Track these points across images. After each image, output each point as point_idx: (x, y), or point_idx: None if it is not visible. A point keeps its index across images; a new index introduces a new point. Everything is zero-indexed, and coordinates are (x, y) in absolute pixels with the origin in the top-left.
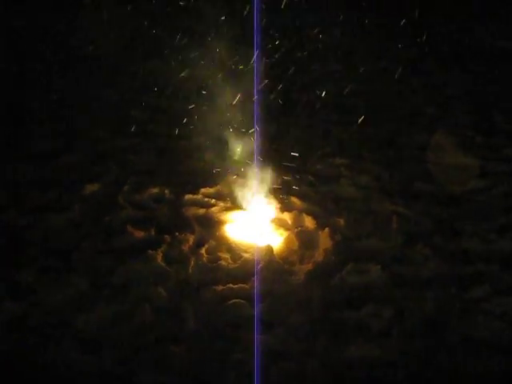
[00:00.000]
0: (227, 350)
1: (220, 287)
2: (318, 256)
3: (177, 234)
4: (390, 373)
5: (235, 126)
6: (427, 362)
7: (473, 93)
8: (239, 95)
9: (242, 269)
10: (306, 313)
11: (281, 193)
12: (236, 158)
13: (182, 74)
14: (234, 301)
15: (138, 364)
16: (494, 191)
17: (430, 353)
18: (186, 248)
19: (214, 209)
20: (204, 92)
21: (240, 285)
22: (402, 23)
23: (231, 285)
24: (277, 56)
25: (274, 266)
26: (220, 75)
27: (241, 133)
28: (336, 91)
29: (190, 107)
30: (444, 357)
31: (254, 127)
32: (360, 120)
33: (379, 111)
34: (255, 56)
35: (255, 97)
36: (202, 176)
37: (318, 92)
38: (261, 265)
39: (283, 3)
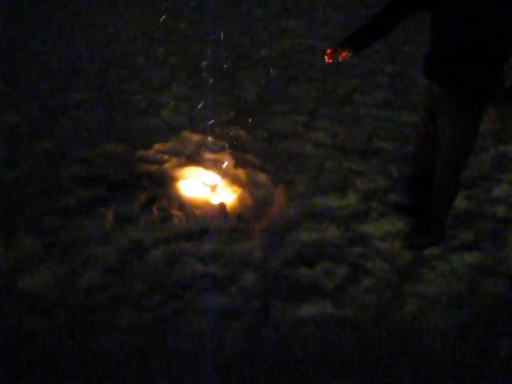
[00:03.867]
0: (178, 310)
1: (171, 245)
2: (273, 213)
3: (127, 191)
4: (342, 331)
5: (190, 80)
6: (380, 320)
7: None
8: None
9: (195, 226)
10: (259, 271)
11: (235, 149)
12: (191, 113)
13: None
14: (185, 259)
15: (86, 325)
16: None
17: (382, 310)
18: (136, 206)
19: (166, 165)
20: (160, 47)
21: (192, 243)
22: None
23: (183, 243)
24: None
25: (227, 224)
26: (177, 28)
27: (196, 88)
28: (294, 47)
29: (145, 61)
30: (396, 314)
31: (208, 82)
32: (317, 77)
33: (338, 68)
34: None
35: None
36: (156, 132)
37: (274, 48)
38: (214, 222)
39: None
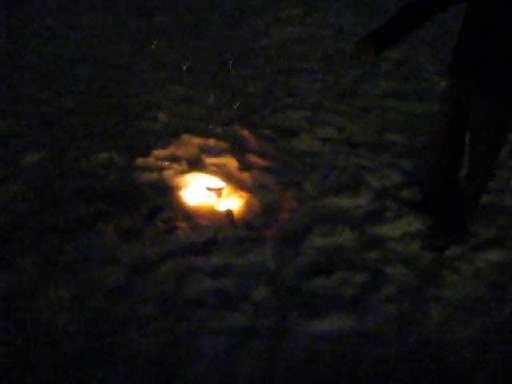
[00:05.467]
0: (189, 332)
1: (178, 260)
2: (283, 219)
3: (128, 203)
4: (364, 345)
5: (187, 78)
6: (403, 331)
7: (437, 36)
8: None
9: (201, 238)
10: (272, 284)
11: (239, 150)
12: (190, 114)
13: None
14: (193, 275)
15: (91, 356)
16: None
17: (405, 320)
18: (139, 219)
19: (167, 172)
20: (154, 45)
21: (200, 256)
22: None
23: (190, 256)
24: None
25: (235, 233)
26: (169, 24)
27: (193, 86)
28: (293, 37)
29: (138, 61)
30: (420, 323)
31: (206, 79)
32: (319, 68)
33: (340, 57)
34: None
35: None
36: (154, 137)
37: (273, 39)
38: (221, 232)
39: None
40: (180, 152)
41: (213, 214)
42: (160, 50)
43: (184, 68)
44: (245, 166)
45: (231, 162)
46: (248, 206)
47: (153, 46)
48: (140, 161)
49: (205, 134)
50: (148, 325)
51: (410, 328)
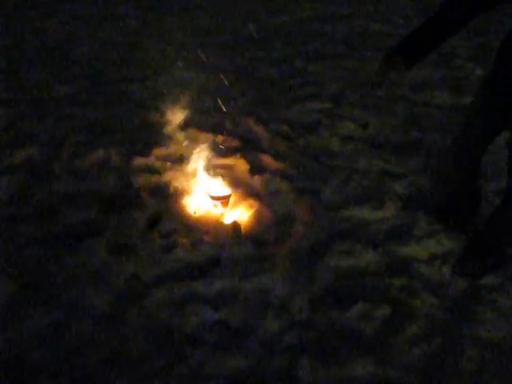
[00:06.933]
0: (186, 375)
1: (175, 284)
2: (297, 233)
3: (123, 211)
4: None
5: (196, 60)
6: (431, 379)
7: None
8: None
9: (203, 257)
10: (281, 315)
11: (250, 149)
12: (196, 104)
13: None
14: (192, 304)
15: None
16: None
17: (433, 366)
18: (134, 231)
19: (169, 175)
20: (161, 23)
21: (200, 280)
22: None
23: (189, 280)
24: None
25: (241, 251)
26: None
27: (203, 70)
28: (313, 15)
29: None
30: (452, 370)
31: (217, 66)
32: (341, 51)
33: (364, 40)
34: None
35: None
36: (156, 131)
37: (291, 16)
38: (226, 250)
39: None
40: (183, 150)
41: (217, 228)
42: (168, 28)
43: (194, 49)
44: (256, 169)
45: (241, 164)
46: (257, 218)
47: (160, 25)
48: (139, 161)
49: (213, 129)
50: (138, 365)
51: (440, 376)
